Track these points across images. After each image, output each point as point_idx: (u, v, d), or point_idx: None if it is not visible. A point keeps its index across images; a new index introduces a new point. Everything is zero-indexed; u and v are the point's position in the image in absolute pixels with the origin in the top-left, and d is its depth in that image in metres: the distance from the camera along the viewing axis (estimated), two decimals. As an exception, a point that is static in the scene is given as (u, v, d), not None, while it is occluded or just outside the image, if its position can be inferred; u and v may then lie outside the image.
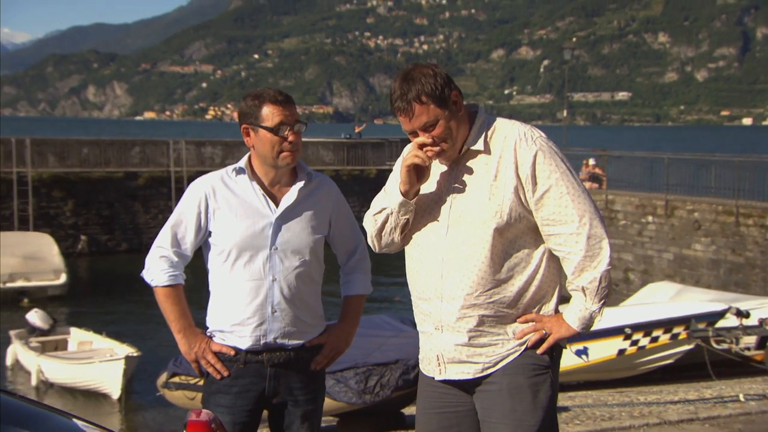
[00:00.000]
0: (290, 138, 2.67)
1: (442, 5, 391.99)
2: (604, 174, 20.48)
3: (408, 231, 2.53)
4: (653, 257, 17.26)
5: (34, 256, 19.10)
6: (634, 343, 10.03)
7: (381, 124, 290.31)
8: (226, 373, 2.68)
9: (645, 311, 10.54)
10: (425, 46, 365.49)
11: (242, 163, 2.77)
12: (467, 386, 2.49)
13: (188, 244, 2.72)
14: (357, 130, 37.32)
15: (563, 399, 8.51)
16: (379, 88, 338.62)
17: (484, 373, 2.45)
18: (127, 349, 11.94)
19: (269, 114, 2.66)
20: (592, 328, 8.39)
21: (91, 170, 23.75)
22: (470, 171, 2.43)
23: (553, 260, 2.45)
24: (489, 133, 2.44)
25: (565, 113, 27.41)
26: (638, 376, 10.17)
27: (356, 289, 2.90)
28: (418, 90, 2.35)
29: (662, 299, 12.13)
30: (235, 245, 2.66)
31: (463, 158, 2.45)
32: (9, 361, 13.09)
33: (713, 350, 9.85)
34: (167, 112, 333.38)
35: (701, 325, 9.86)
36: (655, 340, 10.02)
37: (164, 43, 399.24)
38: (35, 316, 13.34)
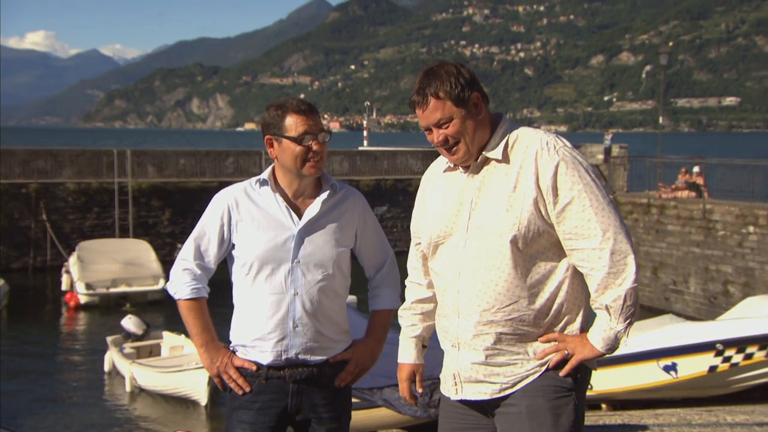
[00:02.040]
0: (314, 147, 2.61)
1: (540, 12, 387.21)
2: (704, 184, 19.64)
3: (429, 243, 2.46)
4: (755, 269, 16.44)
5: (134, 263, 19.88)
6: (727, 359, 9.56)
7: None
8: (248, 389, 2.64)
9: (738, 326, 10.01)
10: (522, 54, 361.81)
11: (265, 174, 2.72)
12: (487, 407, 2.39)
13: (211, 256, 2.69)
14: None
15: (647, 416, 8.19)
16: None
17: (502, 394, 2.33)
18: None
19: (293, 124, 2.61)
20: (684, 343, 7.93)
21: (187, 180, 24.53)
22: (490, 181, 2.33)
23: (578, 277, 2.32)
24: (511, 142, 2.34)
25: (661, 120, 26.39)
26: (734, 394, 9.69)
27: (383, 303, 2.82)
28: (436, 86, 2.31)
29: (762, 314, 11.51)
30: (257, 258, 2.61)
31: (484, 167, 2.36)
32: (107, 367, 13.64)
33: (813, 369, 9.27)
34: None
35: (799, 342, 9.30)
36: (749, 357, 9.51)
37: (264, 55, 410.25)
38: (129, 322, 13.84)
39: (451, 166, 2.44)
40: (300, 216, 2.67)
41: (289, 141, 2.62)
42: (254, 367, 2.64)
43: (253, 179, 2.74)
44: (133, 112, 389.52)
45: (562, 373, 2.30)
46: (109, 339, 13.87)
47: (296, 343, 2.62)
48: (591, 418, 8.60)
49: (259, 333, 2.63)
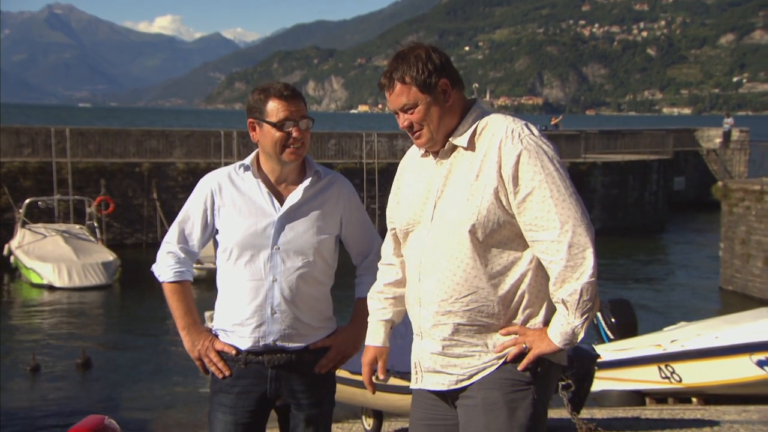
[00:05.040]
0: (294, 134, 2.60)
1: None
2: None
3: (400, 230, 2.45)
4: None
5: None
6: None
7: (593, 114, 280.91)
8: (227, 373, 2.66)
9: None
10: (644, 33, 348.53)
11: (248, 160, 2.72)
12: (449, 398, 2.38)
13: (195, 240, 2.72)
14: (553, 122, 36.54)
15: (731, 412, 7.84)
16: (592, 77, 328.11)
17: (459, 386, 2.31)
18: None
19: (274, 109, 2.60)
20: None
21: (291, 161, 25.01)
22: (456, 169, 2.30)
23: (543, 269, 2.27)
24: (479, 129, 2.30)
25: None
26: None
27: (366, 291, 2.79)
28: (403, 71, 2.29)
29: None
30: (237, 244, 2.63)
31: (452, 155, 2.33)
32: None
33: None
34: (380, 106, 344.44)
35: None
36: None
37: (379, 37, 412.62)
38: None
39: (424, 152, 2.42)
40: (282, 202, 2.67)
41: (269, 126, 2.61)
42: (234, 352, 2.66)
43: (238, 164, 2.74)
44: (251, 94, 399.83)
45: (519, 367, 2.26)
46: (207, 314, 14.38)
47: (274, 330, 2.63)
48: (673, 412, 8.30)
49: (238, 318, 2.65)
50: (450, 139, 2.32)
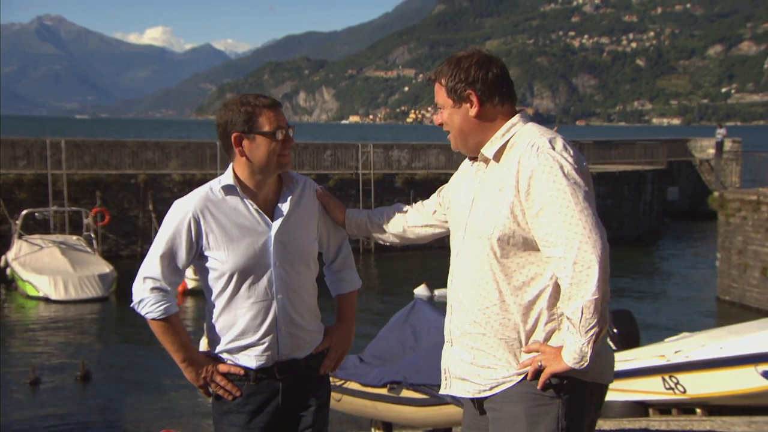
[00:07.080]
0: (288, 141, 2.58)
1: (655, 0, 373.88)
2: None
3: (451, 237, 2.52)
4: None
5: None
6: None
7: (584, 125, 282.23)
8: (237, 393, 2.62)
9: None
10: (634, 44, 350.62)
11: (229, 179, 2.60)
12: (477, 407, 2.43)
13: (181, 268, 2.60)
14: (548, 133, 36.57)
15: (740, 423, 7.83)
16: (582, 88, 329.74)
17: (482, 395, 2.36)
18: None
19: (266, 119, 2.54)
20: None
21: (287, 172, 25.00)
22: (487, 180, 2.35)
23: None
24: (511, 141, 2.32)
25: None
26: None
27: (349, 286, 2.83)
28: (443, 72, 2.39)
29: None
30: (237, 269, 2.55)
31: (487, 166, 2.37)
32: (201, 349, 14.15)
33: None
34: (371, 116, 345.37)
35: None
36: None
37: (369, 48, 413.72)
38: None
39: (471, 162, 2.49)
40: (271, 217, 2.62)
41: (263, 137, 2.54)
42: (242, 371, 2.61)
43: (214, 185, 2.62)
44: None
45: (537, 386, 2.27)
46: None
47: (286, 345, 2.62)
48: (680, 423, 8.31)
49: (247, 341, 2.60)
50: (482, 150, 2.36)
